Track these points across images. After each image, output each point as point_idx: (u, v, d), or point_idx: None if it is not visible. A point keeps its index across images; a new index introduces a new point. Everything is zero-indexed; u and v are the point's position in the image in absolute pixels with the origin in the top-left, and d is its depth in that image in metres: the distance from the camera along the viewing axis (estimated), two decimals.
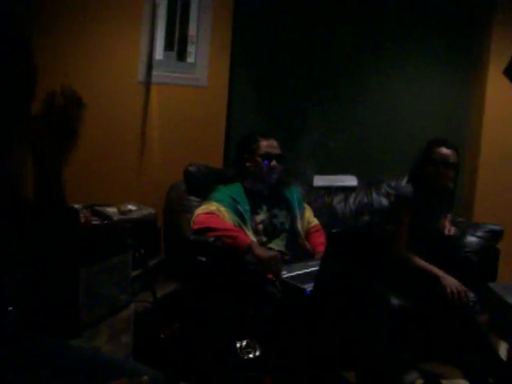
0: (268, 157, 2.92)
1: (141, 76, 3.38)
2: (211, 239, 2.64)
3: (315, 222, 3.14)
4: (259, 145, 2.93)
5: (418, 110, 3.84)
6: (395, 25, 3.70)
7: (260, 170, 2.93)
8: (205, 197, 2.94)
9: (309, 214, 3.15)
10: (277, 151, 2.95)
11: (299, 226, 3.01)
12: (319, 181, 3.62)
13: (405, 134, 3.79)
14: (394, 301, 2.65)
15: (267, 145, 2.93)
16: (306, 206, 3.16)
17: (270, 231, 2.93)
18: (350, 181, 3.64)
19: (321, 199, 3.53)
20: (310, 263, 2.71)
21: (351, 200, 3.57)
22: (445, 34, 3.77)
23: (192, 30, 3.47)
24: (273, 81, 3.71)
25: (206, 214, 2.75)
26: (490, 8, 3.67)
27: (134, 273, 2.42)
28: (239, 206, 2.84)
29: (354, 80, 3.79)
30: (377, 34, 3.71)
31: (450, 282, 2.71)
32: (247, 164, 2.96)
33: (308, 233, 3.07)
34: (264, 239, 2.87)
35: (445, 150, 2.86)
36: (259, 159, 2.92)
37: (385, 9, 3.67)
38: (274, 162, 2.92)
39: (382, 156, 3.79)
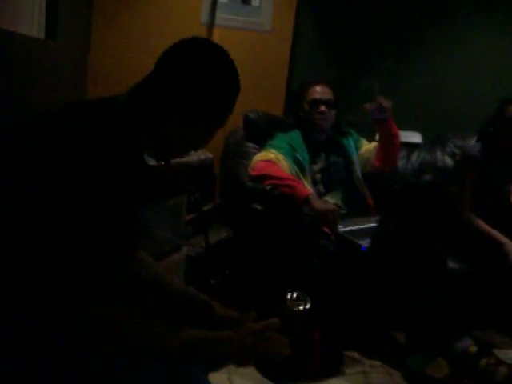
0: (316, 102, 2.85)
1: (204, 17, 3.36)
2: (268, 187, 2.59)
3: (374, 143, 3.04)
4: (308, 91, 2.88)
5: (487, 68, 3.69)
6: None
7: (309, 116, 2.87)
8: (263, 144, 2.92)
9: (366, 145, 3.06)
10: (327, 96, 2.86)
11: (357, 169, 2.96)
12: None
13: (474, 93, 3.66)
14: (453, 264, 2.59)
15: (317, 90, 2.87)
16: (364, 140, 3.08)
17: (327, 181, 2.90)
18: (414, 137, 3.51)
19: None
20: (368, 219, 2.64)
21: (414, 157, 3.45)
22: None
23: None
24: (339, 30, 3.63)
25: (265, 161, 2.71)
26: None
27: (188, 216, 2.39)
28: (298, 154, 2.80)
29: (420, 33, 3.67)
30: None
31: None
32: (300, 112, 2.93)
33: (370, 156, 2.98)
34: (322, 190, 2.85)
35: None
36: (307, 105, 2.88)
37: None
38: (322, 107, 2.84)
39: (450, 114, 3.65)
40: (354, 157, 2.97)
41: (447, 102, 3.68)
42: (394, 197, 2.33)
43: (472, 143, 3.07)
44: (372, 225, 2.48)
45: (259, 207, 2.57)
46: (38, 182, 1.02)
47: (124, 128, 1.15)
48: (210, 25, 3.35)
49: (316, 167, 2.88)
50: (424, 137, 3.53)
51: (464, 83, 3.69)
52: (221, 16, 3.37)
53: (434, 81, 3.69)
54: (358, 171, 2.95)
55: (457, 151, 3.32)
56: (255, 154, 2.88)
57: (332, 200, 2.84)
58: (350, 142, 3.01)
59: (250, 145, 3.09)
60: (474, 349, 2.26)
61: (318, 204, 2.52)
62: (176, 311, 1.32)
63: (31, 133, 1.09)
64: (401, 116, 3.43)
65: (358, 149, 3.01)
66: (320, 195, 2.79)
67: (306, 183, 2.75)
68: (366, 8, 3.61)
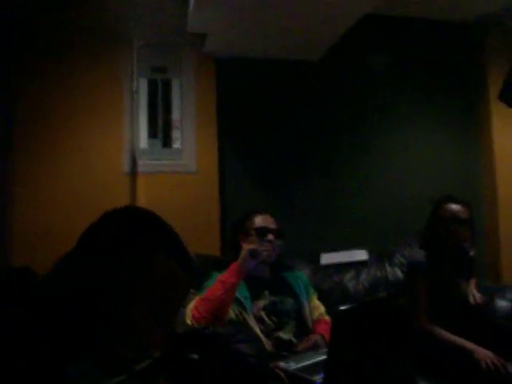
0: (263, 231, 2.77)
1: (126, 167, 3.33)
2: (201, 326, 2.44)
3: (321, 309, 2.93)
4: (253, 220, 2.82)
5: (428, 171, 3.76)
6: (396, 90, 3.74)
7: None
8: (200, 287, 2.72)
9: (316, 300, 2.97)
10: (273, 225, 2.81)
11: (307, 313, 2.84)
12: (326, 259, 3.43)
13: (415, 197, 3.66)
14: (424, 383, 2.40)
15: (261, 220, 2.81)
16: (313, 290, 2.99)
17: (275, 318, 2.74)
18: (360, 255, 3.47)
19: (330, 278, 3.34)
20: (320, 351, 2.46)
21: (363, 276, 3.37)
22: (448, 97, 3.82)
23: (176, 115, 3.41)
24: (267, 157, 3.64)
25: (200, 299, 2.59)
26: (482, 70, 3.78)
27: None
28: (237, 294, 2.64)
29: (354, 146, 3.73)
30: (376, 99, 3.74)
31: (484, 354, 2.43)
32: (243, 244, 2.78)
33: (314, 322, 2.87)
34: (272, 326, 2.69)
35: (454, 206, 2.69)
36: (254, 235, 2.78)
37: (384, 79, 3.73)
38: (270, 236, 2.76)
39: (393, 223, 3.64)
40: (304, 301, 2.86)
41: (390, 211, 3.68)
42: (340, 321, 2.09)
43: (416, 250, 3.00)
44: (322, 357, 2.30)
45: (196, 357, 2.29)
46: None
47: None
48: (133, 173, 3.32)
49: (260, 304, 2.74)
50: (370, 252, 3.47)
51: (403, 190, 3.72)
52: (143, 163, 3.35)
53: (372, 194, 3.71)
54: (308, 313, 2.84)
55: (404, 261, 3.27)
56: (193, 298, 2.68)
57: (286, 336, 2.70)
58: (297, 282, 2.91)
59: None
60: None
61: (242, 258, 2.54)
62: None
63: None
64: (342, 234, 3.61)
65: (308, 294, 2.91)
66: (270, 334, 2.65)
67: (250, 322, 2.61)
68: (286, 134, 3.66)
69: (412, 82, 3.76)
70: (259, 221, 2.82)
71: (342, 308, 2.24)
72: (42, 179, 3.23)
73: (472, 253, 2.80)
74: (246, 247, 2.59)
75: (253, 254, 2.57)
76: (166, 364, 2.40)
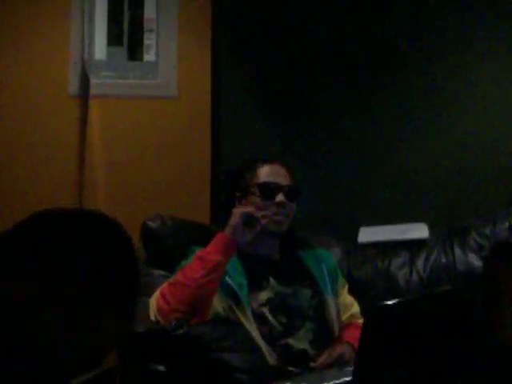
0: (270, 188, 2.73)
1: (72, 87, 3.36)
2: (170, 325, 2.49)
3: (355, 308, 2.96)
4: (256, 172, 2.78)
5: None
6: None
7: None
8: (174, 267, 2.74)
9: (347, 295, 3.01)
10: (285, 181, 2.77)
11: (332, 313, 2.81)
12: (367, 235, 3.46)
13: (498, 158, 3.66)
14: None
15: (269, 171, 2.79)
16: (344, 280, 3.01)
17: (284, 318, 2.71)
18: (418, 231, 3.43)
19: (371, 264, 3.35)
20: (349, 369, 2.38)
21: (420, 261, 3.31)
22: None
23: (149, 12, 3.42)
24: (281, 78, 3.65)
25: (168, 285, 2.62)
26: None
27: None
28: (229, 279, 2.64)
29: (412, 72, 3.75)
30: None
31: None
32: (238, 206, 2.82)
33: (341, 325, 2.88)
34: (278, 329, 2.66)
35: None
36: (256, 194, 2.73)
37: None
38: (280, 197, 2.72)
39: (466, 191, 3.66)
40: (329, 295, 2.85)
41: (461, 175, 3.68)
42: (375, 323, 2.03)
43: (505, 228, 3.09)
44: (347, 379, 2.31)
45: (162, 368, 2.44)
46: None
47: None
48: (83, 97, 3.34)
49: (262, 296, 2.72)
50: (432, 229, 3.43)
51: (484, 148, 3.70)
52: (98, 82, 3.34)
53: (439, 148, 3.71)
54: (333, 312, 2.82)
55: (484, 243, 3.23)
56: (162, 284, 2.72)
57: (298, 344, 2.68)
58: (320, 265, 2.90)
59: (156, 272, 2.97)
60: None
61: (231, 226, 2.61)
62: None
63: None
64: (392, 203, 3.66)
65: (334, 285, 2.93)
66: (276, 340, 2.63)
67: (245, 322, 2.59)
68: (312, 44, 3.69)
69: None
70: (266, 173, 2.80)
71: (382, 304, 2.20)
72: None
73: None
74: (239, 210, 2.62)
75: (248, 220, 2.59)
76: (121, 377, 2.54)
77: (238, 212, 2.62)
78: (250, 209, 2.66)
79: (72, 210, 1.41)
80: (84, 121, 3.32)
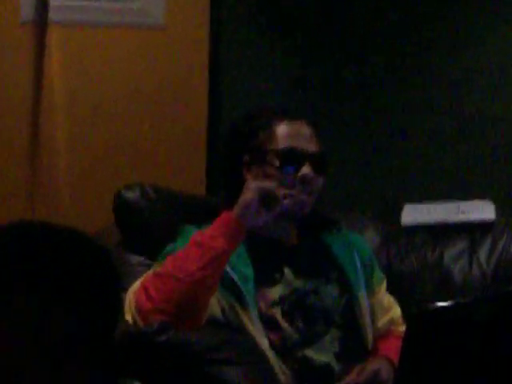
0: (294, 158, 2.65)
1: (25, 12, 3.33)
2: (152, 327, 2.40)
3: (395, 311, 2.94)
4: (274, 133, 2.70)
5: None
6: None
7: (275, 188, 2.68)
8: (158, 253, 2.70)
9: (386, 294, 2.99)
10: (312, 146, 2.68)
11: (365, 317, 2.79)
12: (413, 215, 3.42)
13: None
14: None
15: (291, 132, 2.70)
16: (382, 275, 2.98)
17: (302, 323, 2.67)
18: (481, 211, 3.38)
19: (418, 253, 3.32)
20: None
21: (484, 251, 3.26)
22: None
23: None
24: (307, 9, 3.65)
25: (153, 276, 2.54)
26: None
27: None
28: (230, 269, 2.60)
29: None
30: None
31: None
32: (248, 176, 2.69)
33: (378, 334, 2.87)
34: (294, 337, 2.62)
35: None
36: (273, 162, 2.66)
37: None
38: (306, 168, 2.63)
39: None
40: (361, 293, 2.83)
41: None
42: (430, 326, 1.83)
43: None
44: None
45: None
46: None
47: None
48: (40, 24, 3.29)
49: (273, 293, 2.68)
50: (499, 208, 3.40)
51: None
52: (59, 4, 3.31)
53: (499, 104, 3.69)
54: (367, 315, 2.81)
55: None
56: (142, 274, 2.68)
57: (320, 357, 2.63)
58: (352, 253, 2.88)
59: (133, 258, 2.96)
60: None
61: (243, 203, 2.52)
62: None
63: None
64: (445, 175, 3.74)
65: (369, 288, 2.90)
66: (290, 351, 2.60)
67: (250, 326, 2.56)
68: None
69: None
70: (286, 133, 2.72)
71: (431, 307, 2.02)
72: None
73: None
74: (254, 185, 2.54)
75: (266, 198, 2.51)
76: None
77: (254, 187, 2.51)
78: (270, 184, 2.55)
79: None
80: (40, 55, 3.27)
